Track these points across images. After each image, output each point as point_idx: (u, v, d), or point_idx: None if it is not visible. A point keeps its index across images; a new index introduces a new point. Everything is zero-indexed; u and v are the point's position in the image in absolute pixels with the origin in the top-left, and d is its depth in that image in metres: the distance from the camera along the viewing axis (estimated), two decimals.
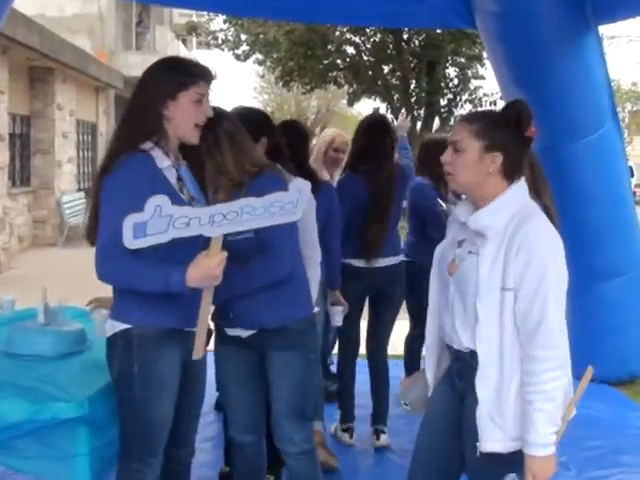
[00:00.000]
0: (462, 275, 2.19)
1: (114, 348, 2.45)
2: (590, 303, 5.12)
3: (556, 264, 2.10)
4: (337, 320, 3.81)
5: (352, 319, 4.03)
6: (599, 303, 5.21)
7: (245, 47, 18.89)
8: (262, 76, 33.50)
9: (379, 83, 18.23)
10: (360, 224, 3.97)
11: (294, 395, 2.79)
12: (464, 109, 17.87)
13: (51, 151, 14.06)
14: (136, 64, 17.97)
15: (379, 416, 4.19)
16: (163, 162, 2.40)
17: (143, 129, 2.40)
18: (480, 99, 18.09)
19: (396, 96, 17.86)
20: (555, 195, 2.36)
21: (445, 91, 18.09)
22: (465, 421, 2.24)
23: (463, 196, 2.34)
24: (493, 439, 2.14)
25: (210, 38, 20.08)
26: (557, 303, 2.09)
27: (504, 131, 2.17)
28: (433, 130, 17.23)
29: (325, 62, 18.28)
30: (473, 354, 2.17)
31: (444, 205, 4.42)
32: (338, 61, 18.58)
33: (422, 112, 17.88)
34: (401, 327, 4.84)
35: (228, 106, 3.05)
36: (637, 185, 24.88)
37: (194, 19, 23.38)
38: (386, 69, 18.51)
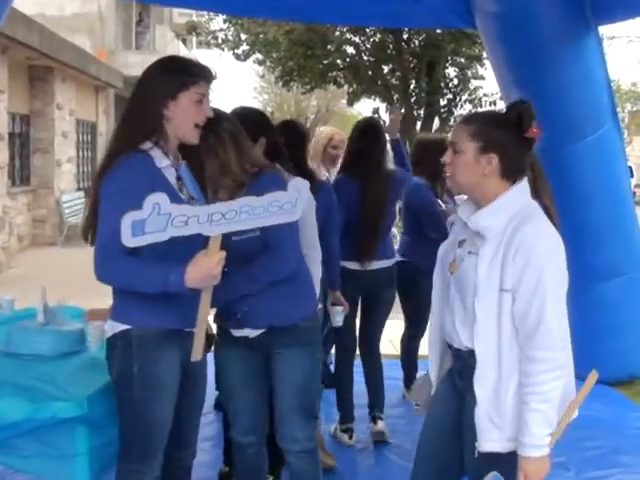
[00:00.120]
0: (462, 275, 2.19)
1: (114, 349, 2.44)
2: (589, 303, 5.11)
3: (555, 265, 2.10)
4: (337, 320, 3.81)
5: (348, 320, 4.03)
6: (598, 303, 5.20)
7: (245, 47, 18.84)
8: (262, 76, 33.48)
9: (379, 83, 18.20)
10: (354, 227, 3.98)
11: (300, 393, 2.78)
12: (464, 109, 17.85)
13: (51, 150, 14.05)
14: (136, 63, 17.96)
15: (375, 402, 4.22)
16: (162, 162, 2.40)
17: (143, 129, 2.40)
18: (480, 99, 18.06)
19: (396, 96, 17.83)
20: (555, 195, 2.36)
21: (445, 91, 18.06)
22: (465, 420, 2.24)
23: (456, 197, 2.34)
24: (491, 439, 2.15)
25: (210, 38, 20.03)
26: (556, 304, 2.08)
27: (502, 132, 2.17)
28: (433, 130, 17.21)
29: (325, 62, 18.24)
30: (472, 353, 2.17)
31: (444, 205, 4.42)
32: (338, 61, 18.54)
33: (422, 112, 17.87)
34: (401, 327, 4.84)
35: (228, 106, 3.05)
36: (637, 185, 24.84)
37: (194, 19, 23.32)
38: (386, 69, 18.48)
